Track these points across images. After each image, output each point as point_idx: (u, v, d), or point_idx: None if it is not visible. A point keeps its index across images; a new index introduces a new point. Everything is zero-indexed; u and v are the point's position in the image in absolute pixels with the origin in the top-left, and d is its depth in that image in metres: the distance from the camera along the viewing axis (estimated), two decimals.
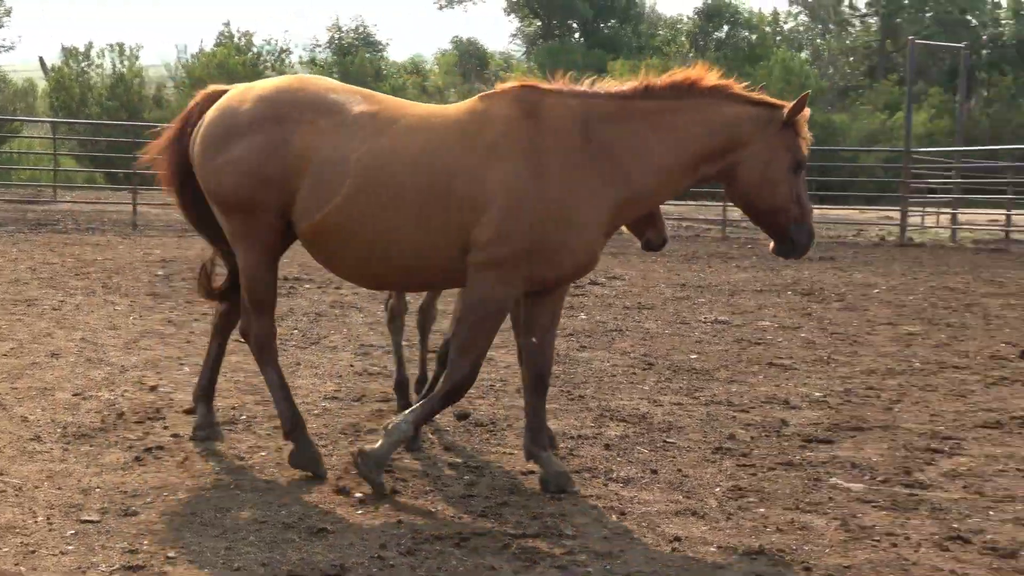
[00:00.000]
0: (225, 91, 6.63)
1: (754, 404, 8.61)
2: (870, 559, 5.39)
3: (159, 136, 6.90)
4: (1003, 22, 68.94)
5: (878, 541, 5.63)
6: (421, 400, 6.51)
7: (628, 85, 6.29)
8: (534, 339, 6.44)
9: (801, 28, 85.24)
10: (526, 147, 6.05)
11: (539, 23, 71.14)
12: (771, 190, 6.24)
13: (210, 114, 6.46)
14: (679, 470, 6.78)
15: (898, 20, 68.80)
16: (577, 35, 69.11)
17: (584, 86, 6.28)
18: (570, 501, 6.12)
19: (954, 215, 27.54)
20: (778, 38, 74.35)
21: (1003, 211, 25.75)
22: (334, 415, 7.84)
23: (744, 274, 17.44)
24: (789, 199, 6.26)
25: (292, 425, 6.48)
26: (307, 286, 14.22)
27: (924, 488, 6.55)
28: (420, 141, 6.11)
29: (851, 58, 73.52)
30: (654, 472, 6.72)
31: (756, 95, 6.34)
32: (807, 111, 6.29)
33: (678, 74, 6.25)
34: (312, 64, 58.53)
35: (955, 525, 5.90)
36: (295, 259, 14.39)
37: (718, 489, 6.42)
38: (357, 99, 6.30)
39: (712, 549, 5.47)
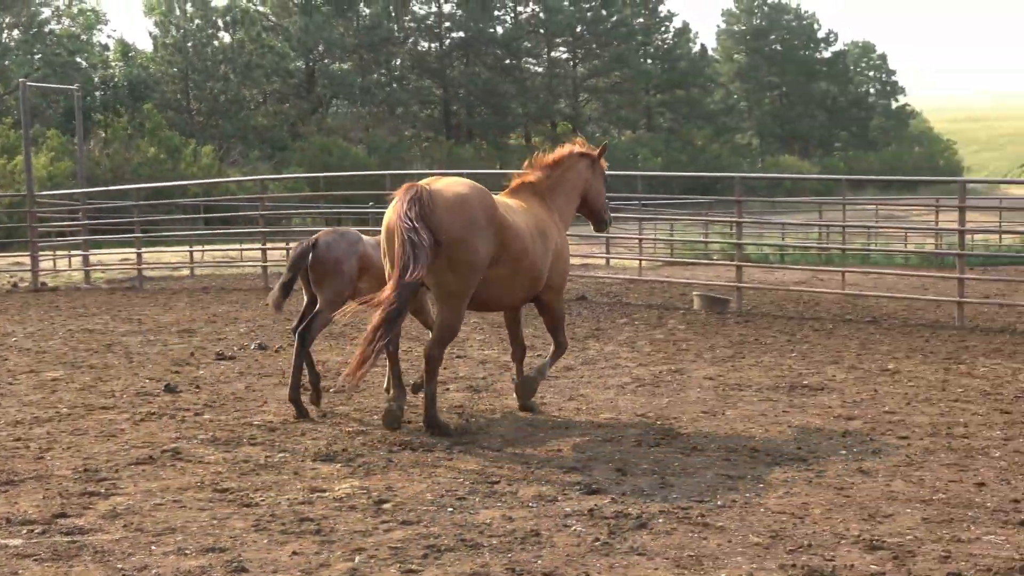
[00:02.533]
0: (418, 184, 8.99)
1: None
2: None
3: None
4: (113, 64, 70.42)
5: None
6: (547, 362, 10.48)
7: (543, 165, 10.42)
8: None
9: None
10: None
11: None
12: (600, 198, 10.87)
13: (461, 201, 8.93)
14: None
15: (7, 62, 67.50)
16: None
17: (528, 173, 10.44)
18: None
19: (85, 256, 27.58)
20: None
21: (134, 250, 26.16)
22: None
23: None
24: (604, 203, 11.01)
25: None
26: None
27: (84, 533, 6.43)
28: (533, 218, 9.80)
29: None
30: None
31: (588, 149, 10.79)
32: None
33: (559, 150, 10.62)
34: None
35: (119, 565, 5.85)
36: None
37: None
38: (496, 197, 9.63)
39: None
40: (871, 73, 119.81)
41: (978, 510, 6.97)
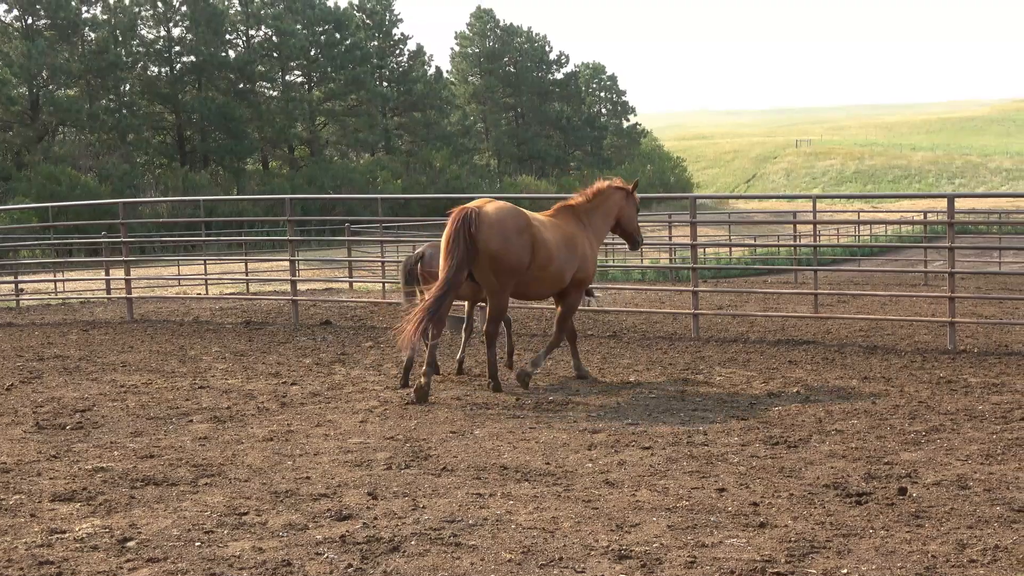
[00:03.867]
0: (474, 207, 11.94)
1: None
2: None
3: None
4: None
5: None
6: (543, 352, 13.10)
7: (584, 194, 13.31)
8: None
9: None
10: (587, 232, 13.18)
11: None
12: (632, 223, 13.82)
13: (497, 218, 11.88)
14: None
15: None
16: None
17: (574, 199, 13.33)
18: None
19: None
20: None
21: None
22: None
23: None
24: (637, 227, 14.07)
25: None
26: None
27: None
28: (563, 233, 12.72)
29: None
30: None
31: (623, 184, 13.65)
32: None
33: (599, 184, 13.41)
34: None
35: None
36: None
37: None
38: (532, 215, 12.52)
39: None
40: (602, 94, 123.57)
41: (720, 515, 7.22)
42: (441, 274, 11.74)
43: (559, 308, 13.21)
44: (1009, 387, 12.12)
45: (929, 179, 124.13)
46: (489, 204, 12.09)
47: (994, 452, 8.96)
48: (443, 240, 11.88)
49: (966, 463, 8.62)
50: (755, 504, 7.48)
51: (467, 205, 11.93)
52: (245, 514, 7.41)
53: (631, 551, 6.47)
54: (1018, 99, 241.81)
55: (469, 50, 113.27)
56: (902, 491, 7.73)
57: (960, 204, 64.75)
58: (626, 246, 14.71)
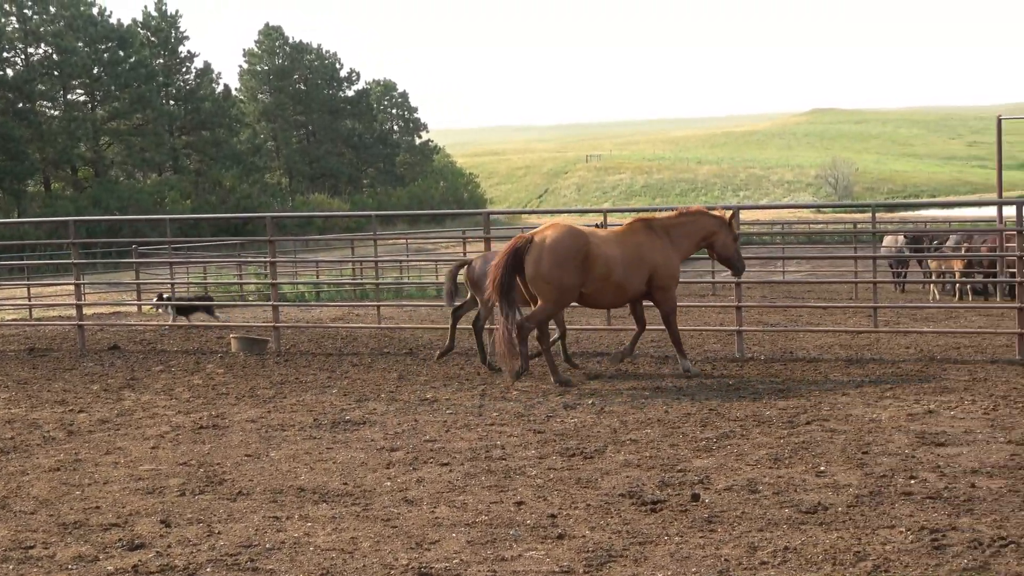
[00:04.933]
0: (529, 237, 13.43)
1: None
2: None
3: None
4: None
5: None
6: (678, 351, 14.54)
7: (679, 210, 14.53)
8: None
9: None
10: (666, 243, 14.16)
11: None
12: (727, 250, 14.57)
13: (551, 243, 13.28)
14: None
15: None
16: None
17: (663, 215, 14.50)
18: None
19: None
20: None
21: None
22: None
23: None
24: (737, 254, 14.73)
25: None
26: None
27: None
28: (629, 246, 13.85)
29: None
30: None
31: (717, 212, 14.70)
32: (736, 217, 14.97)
33: (694, 207, 14.66)
34: None
35: None
36: None
37: None
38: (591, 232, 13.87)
39: None
40: (394, 111, 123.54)
41: (519, 528, 7.27)
42: (496, 306, 13.35)
43: (660, 312, 14.37)
44: (794, 392, 12.56)
45: (715, 191, 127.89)
46: (548, 229, 13.44)
47: (782, 456, 9.26)
48: (491, 266, 13.43)
49: (756, 467, 8.88)
50: (553, 516, 7.54)
51: (527, 233, 13.52)
52: (32, 547, 7.13)
53: (431, 568, 6.45)
54: (798, 113, 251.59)
55: (258, 67, 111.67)
56: (695, 497, 7.92)
57: (745, 216, 66.88)
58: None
